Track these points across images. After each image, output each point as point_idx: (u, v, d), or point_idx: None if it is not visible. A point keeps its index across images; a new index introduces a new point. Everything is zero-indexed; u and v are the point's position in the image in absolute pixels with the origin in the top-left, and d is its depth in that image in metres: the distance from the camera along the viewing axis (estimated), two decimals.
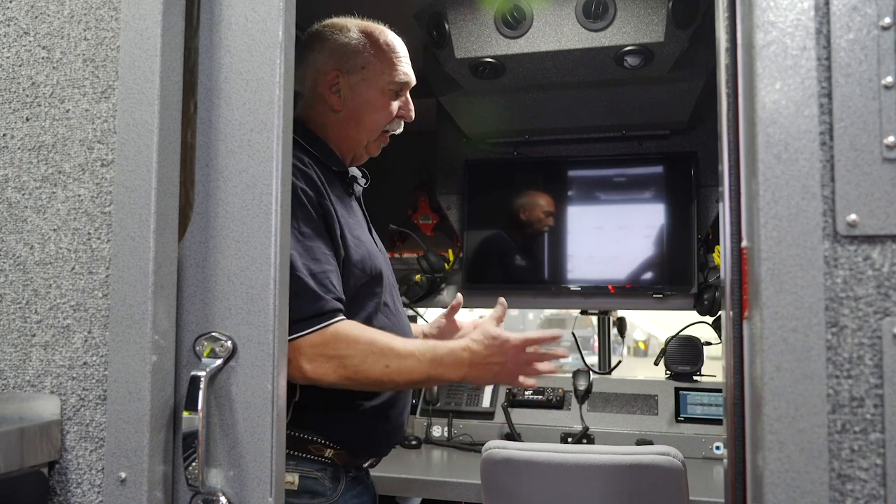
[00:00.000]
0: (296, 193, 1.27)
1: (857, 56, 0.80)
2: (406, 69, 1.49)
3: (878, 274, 0.79)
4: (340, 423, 1.37)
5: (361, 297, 1.39)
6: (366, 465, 1.49)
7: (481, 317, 1.71)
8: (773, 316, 0.79)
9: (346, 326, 1.28)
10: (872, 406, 0.78)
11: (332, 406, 1.36)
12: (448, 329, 1.63)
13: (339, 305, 1.30)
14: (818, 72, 0.81)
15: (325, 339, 1.25)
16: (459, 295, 1.63)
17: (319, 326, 1.25)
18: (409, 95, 1.52)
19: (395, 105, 1.48)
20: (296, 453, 1.34)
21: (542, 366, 1.37)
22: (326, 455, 1.37)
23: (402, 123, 1.53)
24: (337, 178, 1.45)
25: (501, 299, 1.47)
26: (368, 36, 1.47)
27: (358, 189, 1.53)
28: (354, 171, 1.54)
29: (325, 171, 1.39)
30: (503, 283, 2.74)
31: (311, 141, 1.42)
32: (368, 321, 1.38)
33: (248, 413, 0.93)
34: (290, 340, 1.20)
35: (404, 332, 1.47)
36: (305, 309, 1.24)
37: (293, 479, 1.32)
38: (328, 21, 1.50)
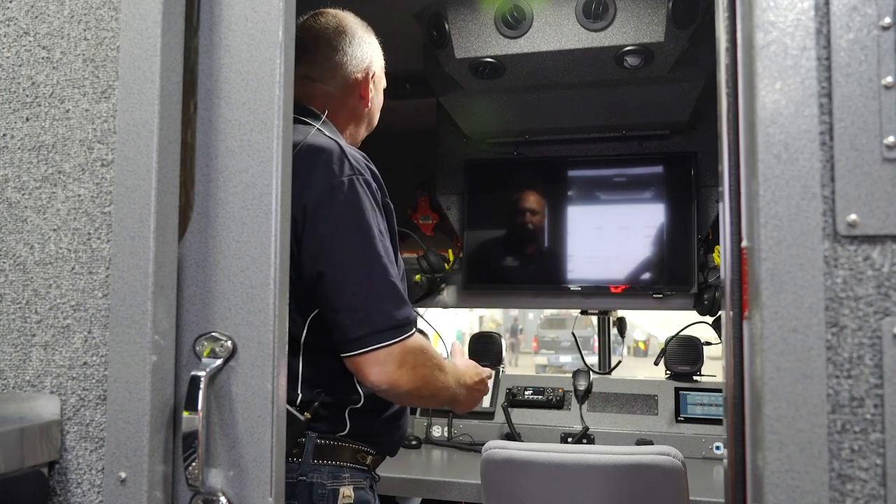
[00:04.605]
0: (372, 191, 1.25)
1: (857, 56, 0.80)
2: None
3: (878, 274, 0.79)
4: (377, 427, 1.36)
5: None
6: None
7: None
8: (773, 316, 0.79)
9: (419, 337, 1.26)
10: (872, 406, 0.78)
11: (371, 409, 1.34)
12: None
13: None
14: (818, 72, 0.81)
15: (412, 348, 1.22)
16: (456, 342, 1.68)
17: (410, 334, 1.22)
18: None
19: None
20: (349, 465, 1.31)
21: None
22: (367, 462, 1.35)
23: None
24: None
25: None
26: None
27: None
28: None
29: None
30: (503, 283, 2.74)
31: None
32: None
33: (248, 413, 0.93)
34: (386, 345, 1.18)
35: None
36: (400, 315, 1.21)
37: (350, 492, 1.29)
38: (353, 17, 1.44)
